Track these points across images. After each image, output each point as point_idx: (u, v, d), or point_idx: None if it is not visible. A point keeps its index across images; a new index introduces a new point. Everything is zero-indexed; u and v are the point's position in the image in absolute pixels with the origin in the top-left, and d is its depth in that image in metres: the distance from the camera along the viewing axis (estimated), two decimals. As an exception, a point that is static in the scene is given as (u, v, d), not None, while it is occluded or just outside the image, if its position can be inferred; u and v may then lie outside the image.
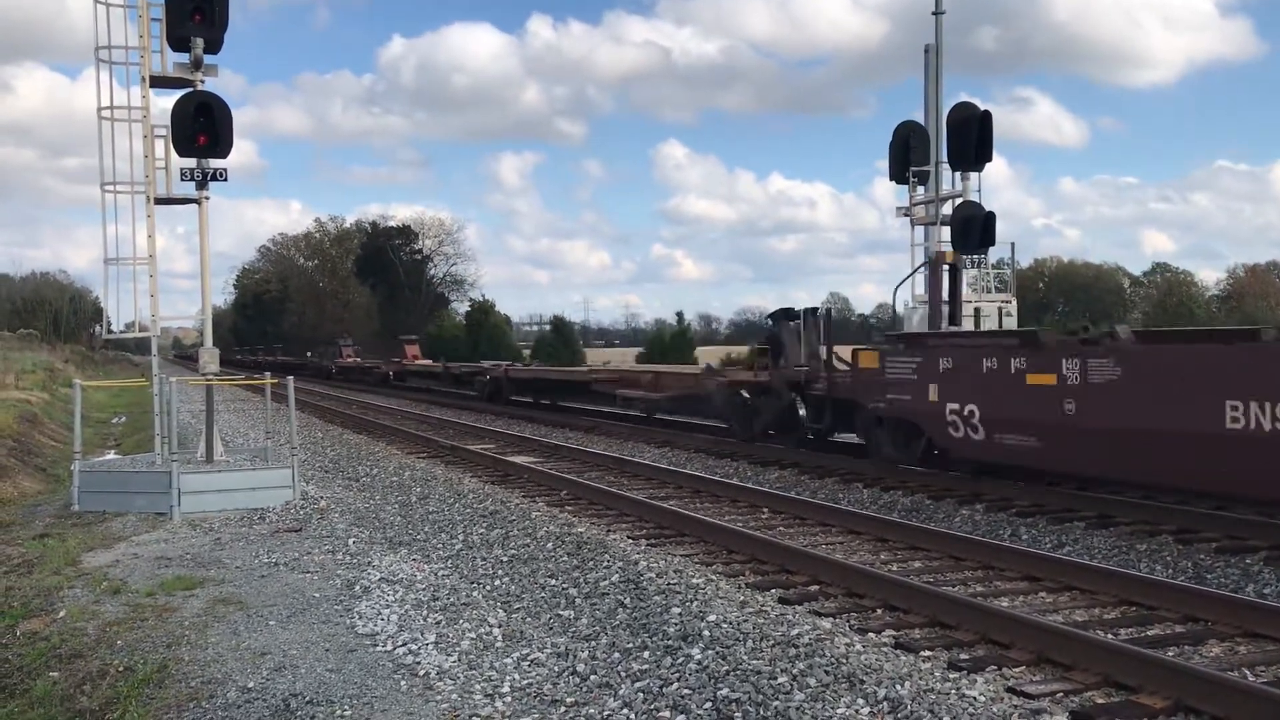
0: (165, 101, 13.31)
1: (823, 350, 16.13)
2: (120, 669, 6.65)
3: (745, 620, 6.75)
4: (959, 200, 18.53)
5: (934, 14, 20.29)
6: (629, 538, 10.42)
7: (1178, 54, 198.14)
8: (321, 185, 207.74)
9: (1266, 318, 50.25)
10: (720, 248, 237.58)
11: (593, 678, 6.20)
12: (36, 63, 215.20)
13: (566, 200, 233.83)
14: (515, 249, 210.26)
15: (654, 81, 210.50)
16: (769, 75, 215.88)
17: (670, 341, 58.09)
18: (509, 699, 5.97)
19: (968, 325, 17.00)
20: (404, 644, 6.92)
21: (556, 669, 6.40)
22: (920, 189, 19.43)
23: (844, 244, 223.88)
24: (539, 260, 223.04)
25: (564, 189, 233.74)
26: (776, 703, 5.50)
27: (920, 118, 20.07)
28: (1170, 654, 6.42)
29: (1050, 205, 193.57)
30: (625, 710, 5.72)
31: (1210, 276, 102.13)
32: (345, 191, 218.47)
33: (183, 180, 13.02)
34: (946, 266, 15.25)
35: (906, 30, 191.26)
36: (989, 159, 18.44)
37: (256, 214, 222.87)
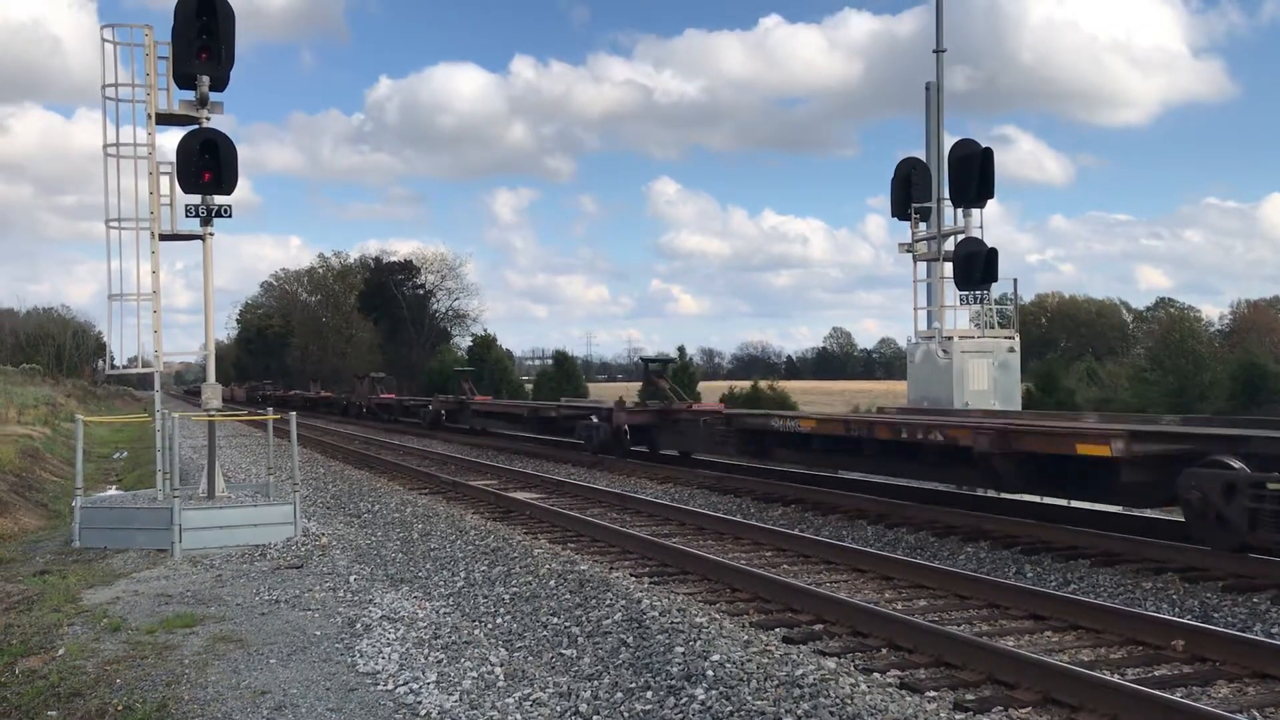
0: (165, 138, 13.39)
1: None
2: (119, 708, 6.60)
3: (749, 660, 6.70)
4: (961, 236, 18.58)
5: (935, 52, 20.43)
6: (632, 575, 10.37)
7: (1152, 95, 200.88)
8: (319, 221, 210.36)
9: (1269, 354, 50.26)
10: (717, 283, 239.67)
11: (595, 718, 6.15)
12: (32, 103, 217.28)
13: (562, 236, 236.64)
14: (513, 284, 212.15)
15: (638, 121, 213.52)
16: (751, 114, 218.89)
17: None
18: (511, 740, 5.92)
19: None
20: (405, 683, 6.86)
21: (559, 709, 6.34)
22: (922, 225, 19.47)
23: (839, 279, 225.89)
24: (537, 295, 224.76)
25: (559, 225, 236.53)
26: (781, 744, 5.44)
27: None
28: (1178, 695, 6.37)
29: (1043, 241, 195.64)
30: (628, 751, 5.66)
31: (1211, 312, 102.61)
32: (343, 227, 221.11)
33: (187, 216, 13.07)
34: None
35: (883, 69, 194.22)
36: (991, 195, 18.50)
37: (254, 249, 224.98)
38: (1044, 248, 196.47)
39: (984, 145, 18.40)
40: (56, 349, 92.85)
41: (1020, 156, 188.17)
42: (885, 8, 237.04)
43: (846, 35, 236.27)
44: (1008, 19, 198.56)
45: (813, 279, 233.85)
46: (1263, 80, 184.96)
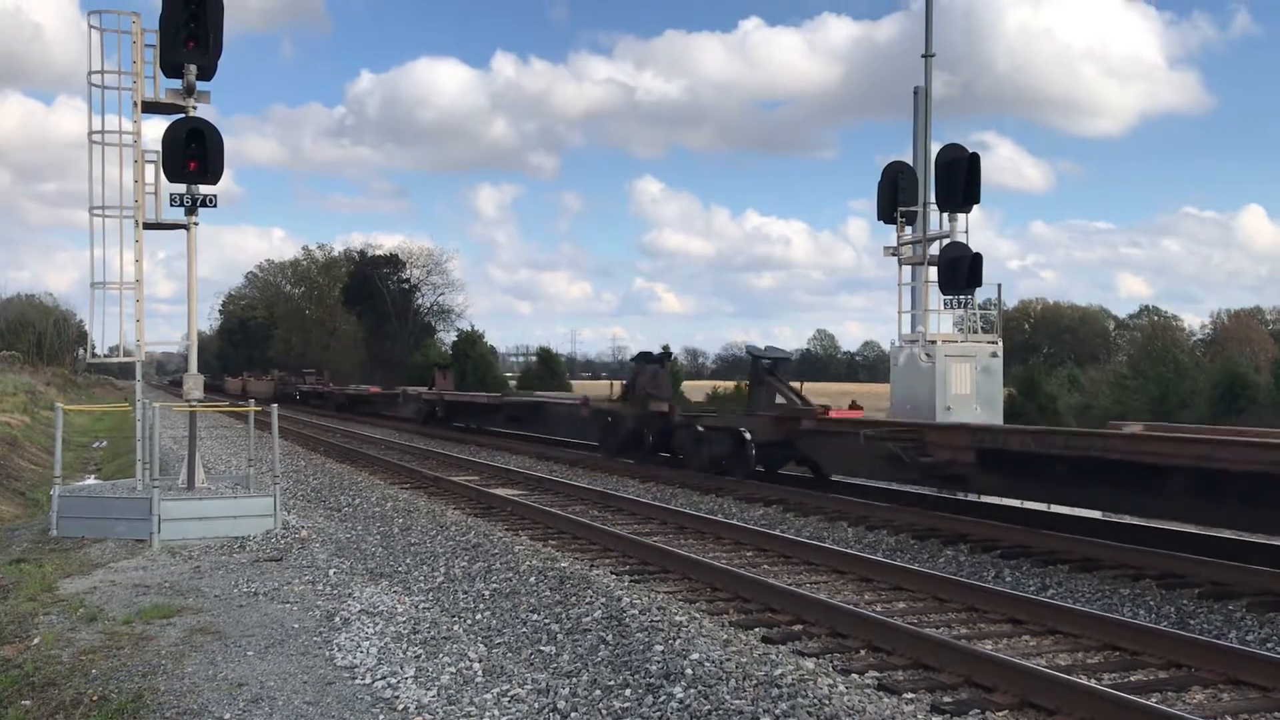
0: (149, 126, 13.30)
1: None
2: (95, 698, 6.56)
3: (728, 659, 6.71)
4: (946, 241, 18.62)
5: (924, 56, 20.46)
6: (612, 573, 10.37)
7: (1129, 105, 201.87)
8: (302, 213, 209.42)
9: (1250, 364, 50.55)
10: (701, 282, 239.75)
11: (573, 715, 6.14)
12: (11, 89, 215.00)
13: (545, 232, 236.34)
14: (497, 279, 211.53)
15: (620, 119, 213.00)
16: (732, 115, 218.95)
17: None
18: (488, 735, 5.90)
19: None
20: (383, 677, 6.84)
21: (537, 705, 6.33)
22: (908, 229, 19.50)
23: (822, 281, 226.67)
24: (520, 291, 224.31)
25: (542, 221, 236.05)
26: (758, 744, 5.45)
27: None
28: (1154, 700, 6.40)
29: (1023, 248, 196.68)
30: (606, 749, 5.65)
31: (1192, 321, 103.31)
32: (326, 219, 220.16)
33: (172, 205, 12.97)
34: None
35: (863, 73, 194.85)
36: (977, 201, 18.54)
37: (236, 240, 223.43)
38: (1025, 254, 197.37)
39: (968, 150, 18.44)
40: (37, 337, 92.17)
41: (999, 163, 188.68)
42: (864, 13, 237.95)
43: (826, 39, 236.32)
44: (984, 25, 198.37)
45: (795, 280, 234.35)
46: (1238, 93, 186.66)
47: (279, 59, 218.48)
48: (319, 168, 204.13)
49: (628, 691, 6.43)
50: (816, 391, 21.37)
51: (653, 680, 6.53)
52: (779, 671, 6.45)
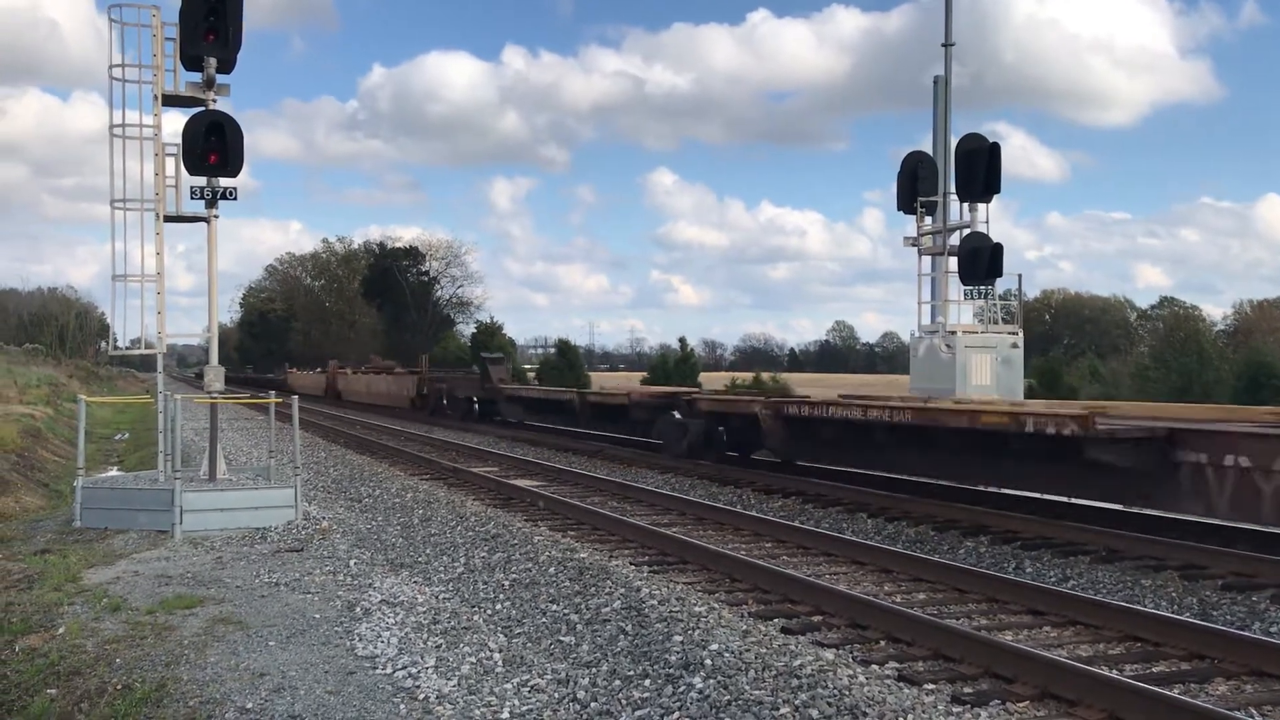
0: (169, 119, 13.37)
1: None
2: (119, 687, 6.61)
3: (747, 650, 6.71)
4: (966, 231, 18.55)
5: (944, 45, 20.37)
6: (631, 564, 10.37)
7: (1139, 95, 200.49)
8: (318, 206, 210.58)
9: (1275, 353, 50.15)
10: (717, 274, 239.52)
11: (593, 705, 6.16)
12: (29, 85, 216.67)
13: (560, 225, 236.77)
14: (513, 272, 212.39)
15: (630, 112, 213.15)
16: (742, 107, 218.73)
17: (674, 367, 58.02)
18: (508, 725, 5.92)
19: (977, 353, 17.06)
20: (404, 667, 6.88)
21: (557, 695, 6.35)
22: (928, 219, 19.44)
23: (838, 272, 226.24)
24: (536, 283, 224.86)
25: (556, 214, 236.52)
26: (778, 734, 5.45)
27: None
28: (1176, 692, 6.37)
29: (1040, 238, 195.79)
30: (626, 739, 5.66)
31: (1212, 312, 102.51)
32: (343, 212, 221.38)
33: (193, 198, 13.05)
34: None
35: (872, 65, 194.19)
36: (997, 190, 18.47)
37: (254, 233, 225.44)
38: (1042, 244, 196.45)
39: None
40: (60, 329, 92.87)
41: (1012, 153, 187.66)
42: (873, 4, 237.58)
43: (835, 30, 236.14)
44: (992, 16, 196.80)
45: (811, 272, 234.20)
46: (1250, 83, 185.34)
47: (289, 54, 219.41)
48: (333, 161, 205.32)
49: (647, 682, 6.44)
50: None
51: (672, 671, 6.54)
52: (799, 662, 6.44)
